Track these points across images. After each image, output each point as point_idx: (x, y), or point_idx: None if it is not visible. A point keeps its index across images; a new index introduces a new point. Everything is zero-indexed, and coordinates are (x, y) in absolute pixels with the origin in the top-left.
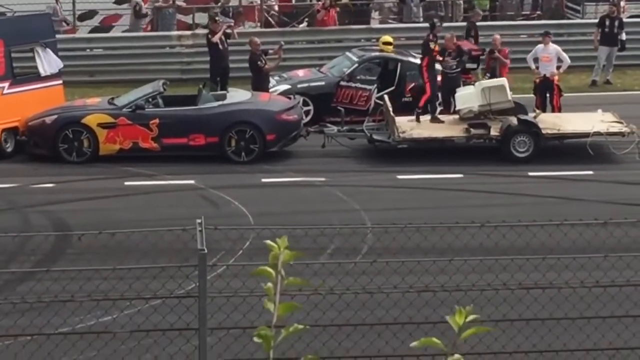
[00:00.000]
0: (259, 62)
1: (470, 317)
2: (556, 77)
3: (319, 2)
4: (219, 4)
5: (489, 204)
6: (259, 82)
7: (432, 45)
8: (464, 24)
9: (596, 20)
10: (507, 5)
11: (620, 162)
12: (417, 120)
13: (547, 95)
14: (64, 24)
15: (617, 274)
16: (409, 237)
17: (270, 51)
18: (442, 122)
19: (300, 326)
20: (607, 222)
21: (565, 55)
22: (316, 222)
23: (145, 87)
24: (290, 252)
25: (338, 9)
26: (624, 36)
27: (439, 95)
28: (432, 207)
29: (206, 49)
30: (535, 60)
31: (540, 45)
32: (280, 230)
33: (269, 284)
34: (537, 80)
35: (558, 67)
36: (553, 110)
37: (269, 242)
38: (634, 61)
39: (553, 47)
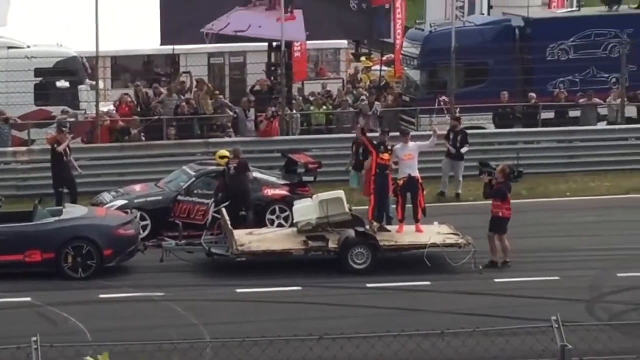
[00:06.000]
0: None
1: None
2: (420, 177)
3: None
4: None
5: (327, 317)
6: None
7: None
8: (305, 137)
9: (431, 133)
10: (344, 119)
11: (458, 273)
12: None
13: (409, 195)
14: None
15: None
16: (247, 350)
17: None
18: (389, 231)
19: None
20: (444, 332)
21: (426, 143)
22: (154, 337)
23: None
24: None
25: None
26: (465, 149)
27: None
28: (271, 320)
29: (41, 165)
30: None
31: (399, 145)
32: (118, 346)
33: None
34: (401, 182)
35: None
36: (418, 210)
37: (88, 358)
38: (466, 172)
39: (413, 144)
